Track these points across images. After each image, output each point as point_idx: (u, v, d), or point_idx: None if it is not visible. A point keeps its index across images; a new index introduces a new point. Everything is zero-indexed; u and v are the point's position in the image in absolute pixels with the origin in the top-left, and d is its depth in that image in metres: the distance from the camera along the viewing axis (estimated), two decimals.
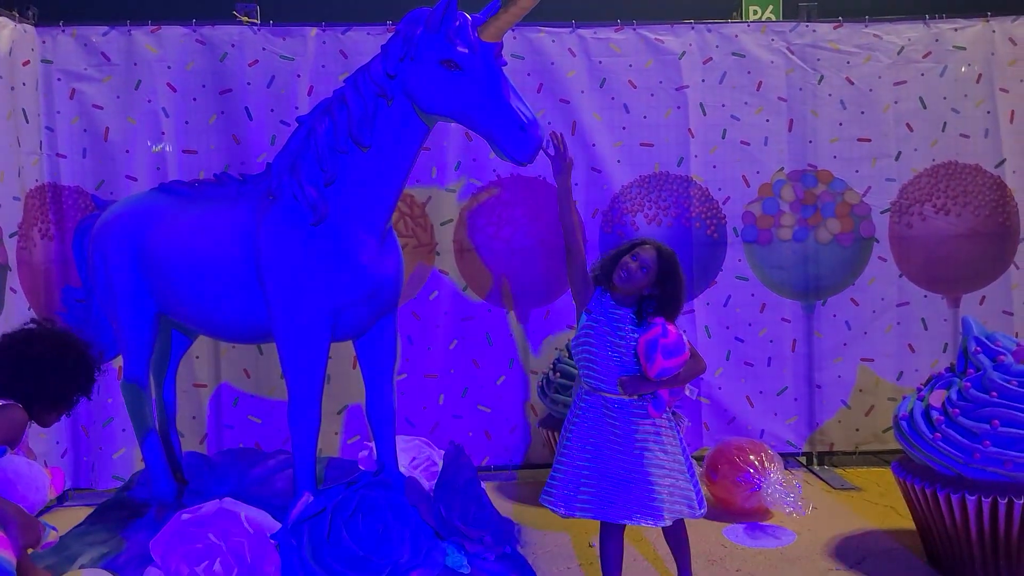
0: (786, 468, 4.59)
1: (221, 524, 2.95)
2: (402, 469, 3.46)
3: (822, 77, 5.36)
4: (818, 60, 5.36)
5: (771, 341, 5.48)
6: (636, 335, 3.12)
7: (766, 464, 4.43)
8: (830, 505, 4.70)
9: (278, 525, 3.00)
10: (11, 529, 2.27)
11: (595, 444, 3.14)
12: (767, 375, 5.49)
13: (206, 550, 2.91)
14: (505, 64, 2.93)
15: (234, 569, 2.88)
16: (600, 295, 3.21)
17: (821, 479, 5.19)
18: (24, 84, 4.81)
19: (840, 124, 5.38)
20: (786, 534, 4.24)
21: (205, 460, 3.86)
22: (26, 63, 4.83)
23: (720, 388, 5.45)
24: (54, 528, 2.44)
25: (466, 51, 2.78)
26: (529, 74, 5.22)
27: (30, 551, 2.38)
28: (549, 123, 5.17)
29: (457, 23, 2.78)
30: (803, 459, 5.56)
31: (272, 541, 2.95)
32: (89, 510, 3.64)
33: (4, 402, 2.41)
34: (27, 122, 4.82)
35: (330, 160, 3.02)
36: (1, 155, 4.54)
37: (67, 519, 2.52)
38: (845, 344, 5.47)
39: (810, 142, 5.39)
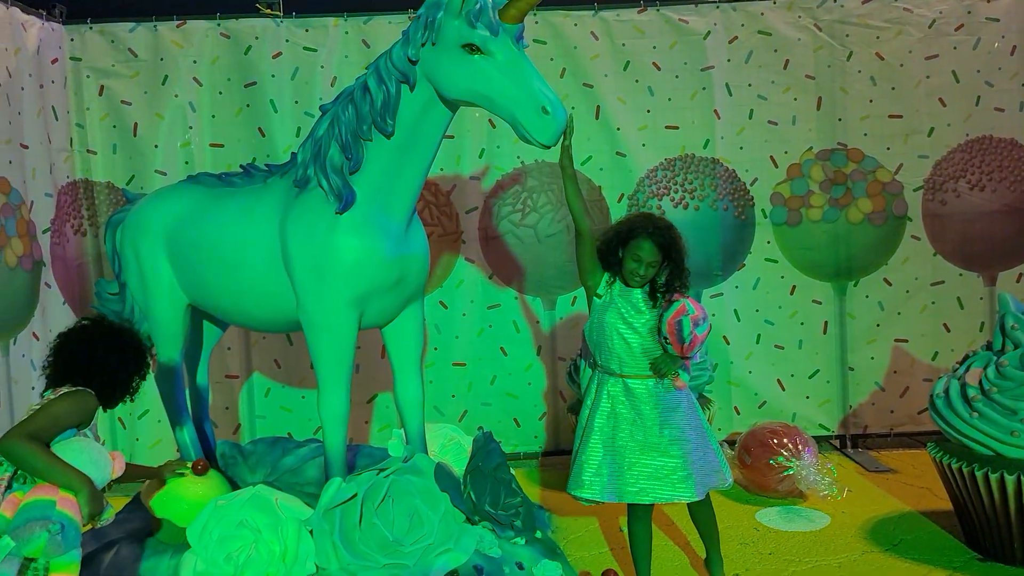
0: (819, 451, 4.54)
1: (255, 510, 2.99)
2: (431, 455, 3.47)
3: (851, 53, 5.26)
4: (847, 36, 5.26)
5: (802, 323, 5.42)
6: (653, 314, 3.13)
7: (799, 447, 4.39)
8: (865, 488, 4.64)
9: (311, 511, 3.03)
10: (81, 497, 2.41)
11: (616, 427, 3.15)
12: (799, 358, 5.43)
13: (241, 536, 2.94)
14: (527, 47, 2.91)
15: (268, 554, 2.91)
16: (610, 280, 3.21)
17: (855, 462, 5.13)
18: (53, 82, 4.88)
19: (870, 101, 5.28)
20: (820, 517, 4.20)
21: (239, 449, 3.90)
22: (54, 61, 4.90)
23: (751, 372, 5.40)
24: (111, 506, 2.56)
25: (487, 34, 2.76)
26: (552, 59, 5.19)
27: (90, 526, 2.52)
28: (573, 108, 5.13)
29: (478, 6, 2.76)
30: (836, 442, 5.49)
31: (305, 527, 2.98)
32: (127, 499, 3.71)
33: (77, 388, 2.57)
34: (57, 119, 4.89)
35: (354, 148, 3.02)
36: (33, 153, 4.61)
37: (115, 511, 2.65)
38: (878, 325, 5.39)
39: (840, 120, 5.30)
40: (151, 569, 3.11)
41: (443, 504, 3.11)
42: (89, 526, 2.51)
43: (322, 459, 3.39)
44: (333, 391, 3.19)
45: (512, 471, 3.50)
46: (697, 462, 3.13)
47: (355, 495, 2.99)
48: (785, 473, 4.32)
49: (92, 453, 2.51)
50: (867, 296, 5.38)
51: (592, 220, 3.29)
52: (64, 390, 2.55)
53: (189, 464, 3.23)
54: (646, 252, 3.11)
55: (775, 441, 4.43)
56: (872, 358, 5.41)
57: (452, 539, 3.05)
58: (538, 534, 3.41)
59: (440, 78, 2.87)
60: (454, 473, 3.40)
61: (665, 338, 3.09)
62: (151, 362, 2.84)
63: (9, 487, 2.40)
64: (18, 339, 4.37)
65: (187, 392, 3.84)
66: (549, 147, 2.82)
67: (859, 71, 5.27)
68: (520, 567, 3.14)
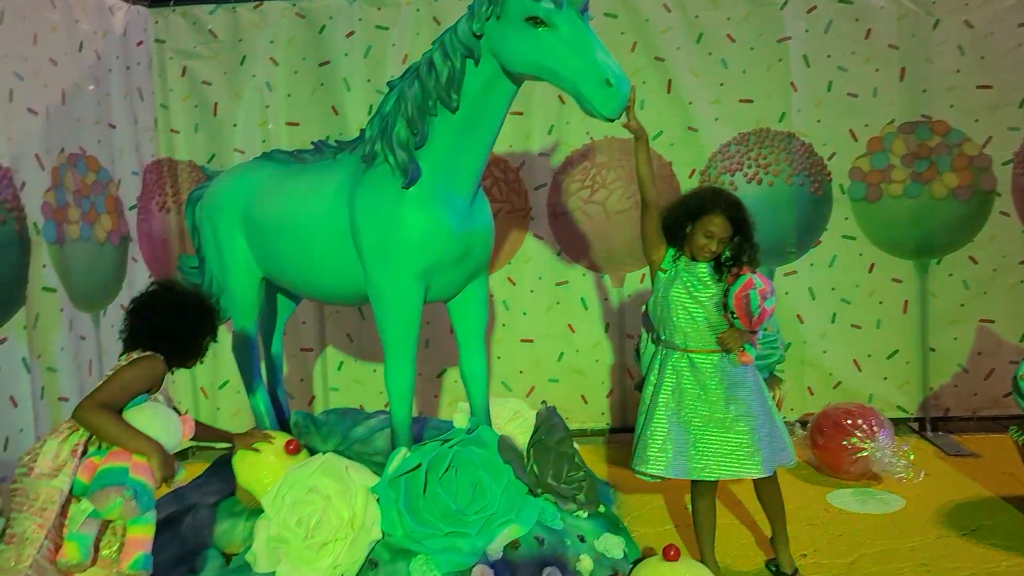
0: (896, 434, 4.41)
1: (326, 477, 3.08)
2: (496, 429, 3.51)
3: (937, 21, 5.02)
4: (933, 3, 5.02)
5: (880, 303, 5.24)
6: (719, 287, 3.09)
7: (874, 428, 4.28)
8: (944, 472, 4.49)
9: (377, 479, 3.11)
10: (153, 462, 2.53)
11: (681, 403, 3.12)
12: (877, 338, 5.26)
13: (312, 501, 3.05)
14: (592, 19, 2.88)
15: (337, 519, 3.01)
16: (675, 254, 3.18)
17: (935, 445, 4.96)
18: (139, 63, 5.07)
19: (958, 71, 5.04)
20: (895, 500, 4.08)
21: (311, 419, 4.03)
22: (140, 43, 5.09)
23: (825, 352, 5.27)
24: (182, 468, 2.68)
25: (552, 7, 2.74)
26: (623, 33, 5.11)
27: (164, 488, 2.64)
28: (644, 83, 5.07)
29: None
30: (916, 425, 5.32)
31: (372, 495, 3.07)
32: (206, 464, 3.88)
33: (146, 354, 2.67)
34: (142, 100, 5.09)
35: (420, 123, 3.05)
36: (120, 132, 4.82)
37: (187, 472, 2.78)
38: (962, 305, 5.18)
39: (924, 91, 5.08)
40: (228, 530, 3.26)
41: (506, 475, 3.16)
42: (164, 488, 2.64)
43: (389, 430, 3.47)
44: (399, 363, 3.25)
45: (576, 446, 3.52)
46: (764, 439, 3.09)
47: (419, 465, 3.05)
48: (859, 455, 4.22)
49: (162, 418, 2.62)
50: (951, 275, 5.17)
51: (657, 191, 3.25)
52: (135, 355, 2.66)
53: (273, 439, 3.29)
54: (718, 227, 3.07)
55: (849, 422, 4.33)
56: (955, 339, 5.20)
57: (514, 510, 3.10)
58: (601, 508, 3.43)
59: (504, 52, 2.87)
60: (517, 446, 3.43)
61: (732, 312, 3.05)
62: (220, 324, 2.90)
63: (85, 451, 2.53)
64: (107, 311, 4.60)
65: (262, 362, 3.98)
66: (612, 120, 2.79)
67: (946, 40, 5.02)
68: (582, 540, 3.17)
